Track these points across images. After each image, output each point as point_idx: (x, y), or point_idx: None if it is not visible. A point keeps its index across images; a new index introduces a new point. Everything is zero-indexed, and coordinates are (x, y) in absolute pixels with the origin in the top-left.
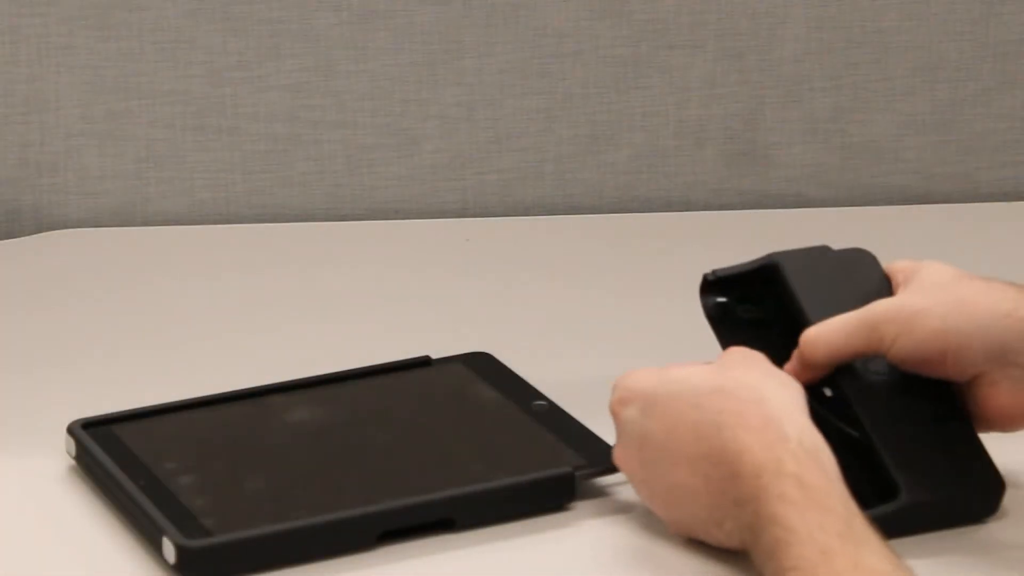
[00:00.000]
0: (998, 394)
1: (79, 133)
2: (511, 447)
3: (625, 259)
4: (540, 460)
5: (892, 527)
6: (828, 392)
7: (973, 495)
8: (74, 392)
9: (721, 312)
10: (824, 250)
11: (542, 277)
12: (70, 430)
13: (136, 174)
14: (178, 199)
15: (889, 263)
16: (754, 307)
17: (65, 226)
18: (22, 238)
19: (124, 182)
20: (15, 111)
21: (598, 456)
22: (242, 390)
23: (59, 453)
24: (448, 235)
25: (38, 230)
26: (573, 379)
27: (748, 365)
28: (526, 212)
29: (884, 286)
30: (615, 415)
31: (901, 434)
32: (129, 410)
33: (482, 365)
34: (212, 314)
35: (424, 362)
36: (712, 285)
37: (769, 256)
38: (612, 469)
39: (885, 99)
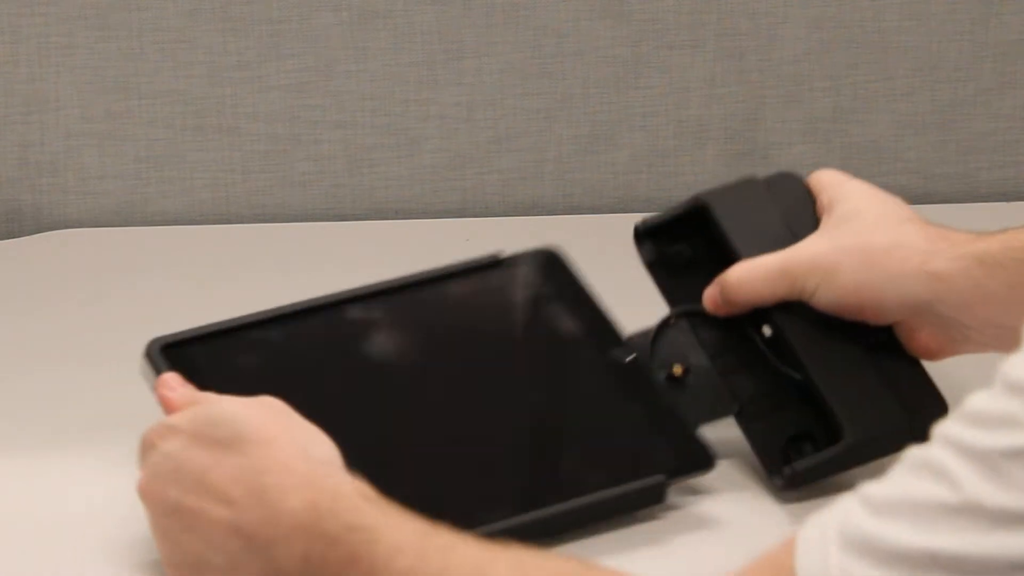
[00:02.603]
0: (919, 337)
1: (79, 133)
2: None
3: (625, 259)
4: (632, 461)
5: (839, 466)
6: (768, 331)
7: (916, 424)
8: (74, 392)
9: (656, 258)
10: (750, 181)
11: None
12: (148, 352)
13: (136, 174)
14: (178, 199)
15: (814, 176)
16: (688, 248)
17: (65, 226)
18: (22, 238)
19: (124, 182)
20: (15, 111)
21: (687, 450)
22: (318, 301)
23: (58, 455)
24: (448, 235)
25: (38, 230)
26: None
27: (289, 422)
28: (526, 212)
29: (809, 208)
30: (151, 445)
31: (842, 373)
32: (209, 327)
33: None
34: (212, 314)
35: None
36: (644, 234)
37: (696, 197)
38: (704, 470)
39: (885, 99)
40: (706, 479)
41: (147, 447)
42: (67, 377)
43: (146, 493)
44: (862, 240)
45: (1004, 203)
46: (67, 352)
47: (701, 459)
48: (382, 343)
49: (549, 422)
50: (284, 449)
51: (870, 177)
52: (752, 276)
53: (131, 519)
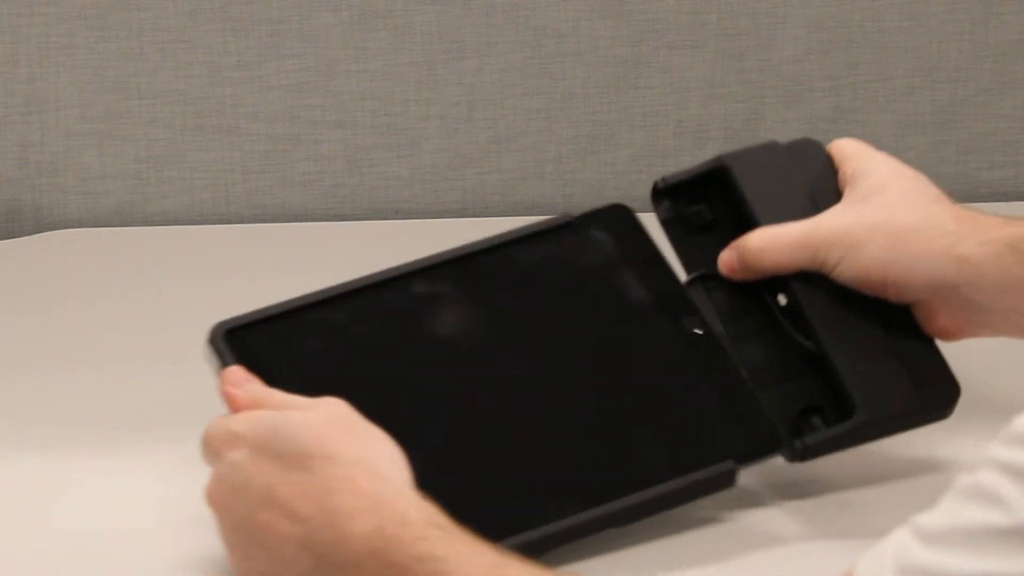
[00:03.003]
0: (937, 318)
1: (79, 133)
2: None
3: None
4: (702, 445)
5: (849, 442)
6: (783, 300)
7: (928, 402)
8: (74, 392)
9: (673, 217)
10: (772, 146)
11: None
12: (211, 339)
13: (136, 174)
14: (178, 199)
15: (835, 145)
16: (706, 209)
17: (65, 226)
18: (22, 238)
19: (124, 182)
20: (15, 111)
21: (755, 426)
22: (383, 276)
23: (59, 455)
24: (448, 235)
25: (38, 230)
26: None
27: (355, 434)
28: (526, 212)
29: (830, 177)
30: (217, 453)
31: (856, 347)
32: (272, 308)
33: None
34: (212, 314)
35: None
36: (663, 192)
37: (718, 158)
38: (773, 452)
39: (885, 99)
40: None
41: (212, 453)
42: (67, 377)
43: (214, 502)
44: (889, 217)
45: (1004, 203)
46: (67, 352)
47: (770, 440)
48: (448, 318)
49: (619, 403)
50: (349, 465)
51: None
52: (774, 244)
53: (131, 520)
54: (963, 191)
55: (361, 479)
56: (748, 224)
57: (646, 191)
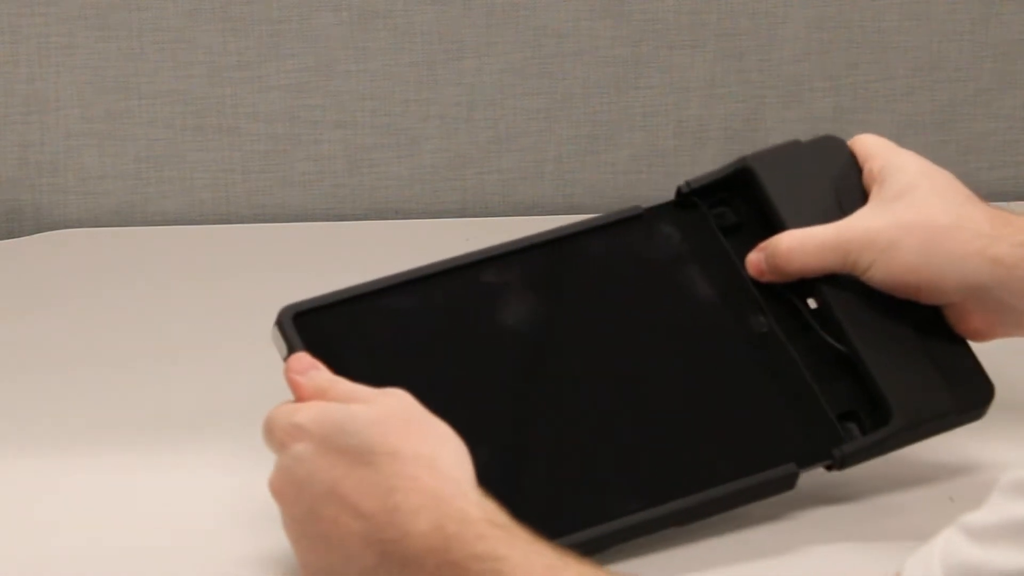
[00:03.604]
0: (970, 319)
1: (79, 133)
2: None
3: None
4: (764, 446)
5: (886, 448)
6: (813, 303)
7: (963, 403)
8: (74, 392)
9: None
10: (795, 145)
11: None
12: (279, 321)
13: (136, 174)
14: (178, 199)
15: (858, 141)
16: (730, 212)
17: (65, 226)
18: (22, 238)
19: (124, 182)
20: (15, 111)
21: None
22: (455, 264)
23: (59, 455)
24: (448, 235)
25: (38, 230)
26: None
27: (419, 429)
28: (526, 212)
29: (854, 175)
30: (282, 444)
31: (889, 350)
32: (340, 293)
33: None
34: (212, 314)
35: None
36: (687, 196)
37: (741, 160)
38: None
39: (885, 99)
40: None
41: (276, 444)
42: (67, 377)
43: (279, 494)
44: (923, 217)
45: (1004, 203)
46: (67, 352)
47: (831, 443)
48: (514, 309)
49: (682, 401)
50: (412, 461)
51: None
52: (804, 246)
53: (130, 520)
54: None
55: (424, 476)
56: (773, 225)
57: (646, 191)
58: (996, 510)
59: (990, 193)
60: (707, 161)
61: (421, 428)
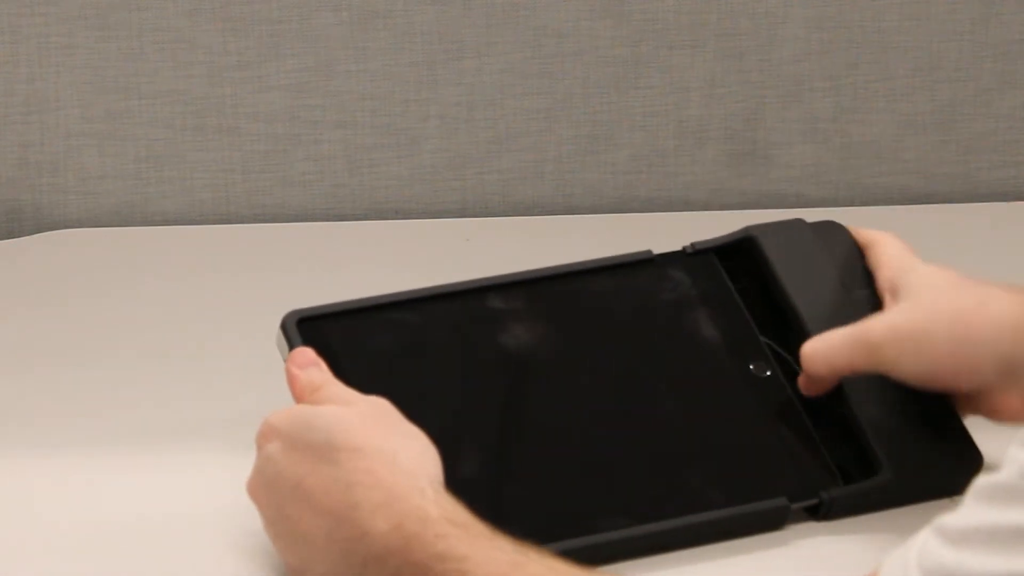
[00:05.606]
0: (1008, 401)
1: (79, 133)
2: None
3: None
4: (756, 481)
5: (871, 502)
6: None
7: (952, 470)
8: (74, 392)
9: None
10: (798, 223)
11: None
12: (284, 324)
13: (136, 174)
14: (178, 199)
15: (859, 232)
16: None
17: (65, 226)
18: (22, 238)
19: (124, 182)
20: (15, 111)
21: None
22: (464, 288)
23: (59, 455)
24: (448, 235)
25: (38, 230)
26: None
27: (386, 428)
28: (526, 212)
29: (857, 259)
30: (258, 447)
31: (882, 411)
32: (347, 303)
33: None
34: (212, 314)
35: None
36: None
37: (746, 229)
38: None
39: (885, 99)
40: None
41: (256, 446)
42: (67, 377)
43: (254, 495)
44: (950, 303)
45: (1004, 203)
46: (67, 352)
47: (826, 483)
48: (517, 335)
49: (677, 431)
50: (371, 456)
51: (870, 177)
52: (828, 347)
53: (129, 520)
54: (963, 191)
55: (381, 471)
56: (774, 295)
57: (646, 191)
58: (971, 513)
59: (990, 193)
60: (707, 161)
61: (389, 427)
